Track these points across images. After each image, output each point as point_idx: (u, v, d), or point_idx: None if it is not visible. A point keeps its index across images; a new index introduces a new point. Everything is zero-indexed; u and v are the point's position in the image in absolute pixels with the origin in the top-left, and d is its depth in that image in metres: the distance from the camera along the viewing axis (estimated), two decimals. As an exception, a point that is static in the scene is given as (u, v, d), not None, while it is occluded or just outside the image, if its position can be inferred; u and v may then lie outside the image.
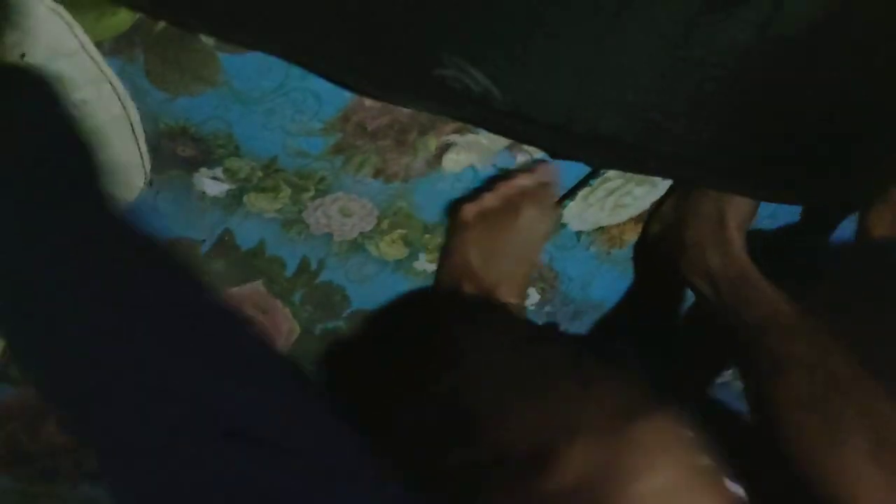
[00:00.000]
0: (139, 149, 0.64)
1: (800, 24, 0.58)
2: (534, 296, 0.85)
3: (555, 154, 0.71)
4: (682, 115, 0.61)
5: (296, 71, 0.59)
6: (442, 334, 0.68)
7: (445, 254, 0.75)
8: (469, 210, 0.72)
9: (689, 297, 0.85)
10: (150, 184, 0.65)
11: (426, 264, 0.78)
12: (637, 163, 0.66)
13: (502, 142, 0.70)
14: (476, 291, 0.73)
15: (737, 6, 0.55)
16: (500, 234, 0.72)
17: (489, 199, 0.71)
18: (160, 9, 0.54)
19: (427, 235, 0.75)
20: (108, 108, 0.61)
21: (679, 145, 0.63)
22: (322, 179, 0.68)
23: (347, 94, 0.62)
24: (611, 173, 0.74)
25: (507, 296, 0.73)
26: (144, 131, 0.62)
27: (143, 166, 0.65)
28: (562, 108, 0.60)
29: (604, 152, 0.64)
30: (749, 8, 0.56)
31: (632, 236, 0.81)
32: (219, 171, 0.65)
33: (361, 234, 0.73)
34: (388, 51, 0.55)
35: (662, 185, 0.75)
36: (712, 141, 0.63)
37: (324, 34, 0.53)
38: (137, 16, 0.56)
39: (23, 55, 0.55)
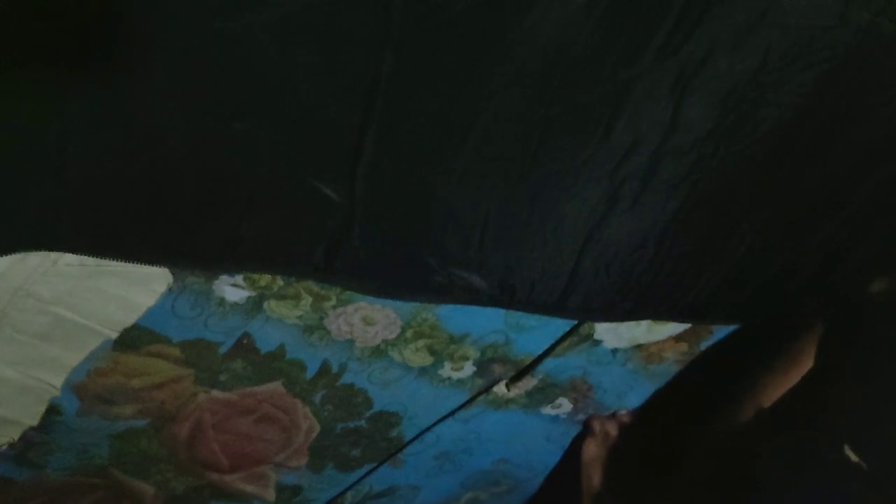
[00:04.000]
0: (166, 255, 0.63)
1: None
2: (566, 405, 0.82)
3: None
4: (672, 275, 0.64)
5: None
6: None
7: None
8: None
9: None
10: (169, 289, 0.64)
11: (451, 372, 0.75)
12: (635, 318, 0.70)
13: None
14: None
15: None
16: None
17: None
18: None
19: (453, 346, 0.72)
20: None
21: (672, 302, 0.67)
22: (344, 290, 0.66)
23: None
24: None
25: None
26: (166, 241, 0.62)
27: (169, 272, 0.64)
28: (555, 292, 0.63)
29: (599, 318, 0.69)
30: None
31: (672, 354, 0.77)
32: (239, 279, 0.64)
33: (384, 340, 0.71)
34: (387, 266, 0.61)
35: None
36: (701, 292, 0.67)
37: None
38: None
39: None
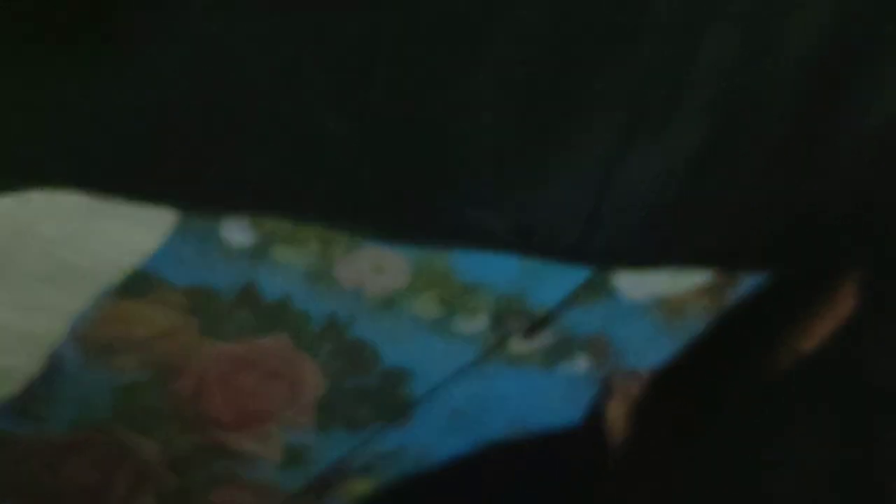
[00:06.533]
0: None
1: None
2: (584, 363, 0.80)
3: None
4: (696, 217, 0.61)
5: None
6: None
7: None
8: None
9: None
10: (174, 232, 0.63)
11: (463, 325, 0.73)
12: (657, 264, 0.68)
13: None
14: None
15: None
16: None
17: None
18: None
19: (465, 296, 0.70)
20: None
21: (697, 247, 0.64)
22: (352, 235, 0.64)
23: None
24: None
25: None
26: (168, 179, 0.61)
27: (174, 214, 0.63)
28: (574, 235, 0.60)
29: (619, 264, 0.68)
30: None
31: (694, 308, 0.75)
32: (245, 222, 0.62)
33: (394, 290, 0.69)
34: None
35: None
36: (727, 235, 0.64)
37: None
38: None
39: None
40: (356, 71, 0.50)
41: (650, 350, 0.80)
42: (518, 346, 0.77)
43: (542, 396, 0.85)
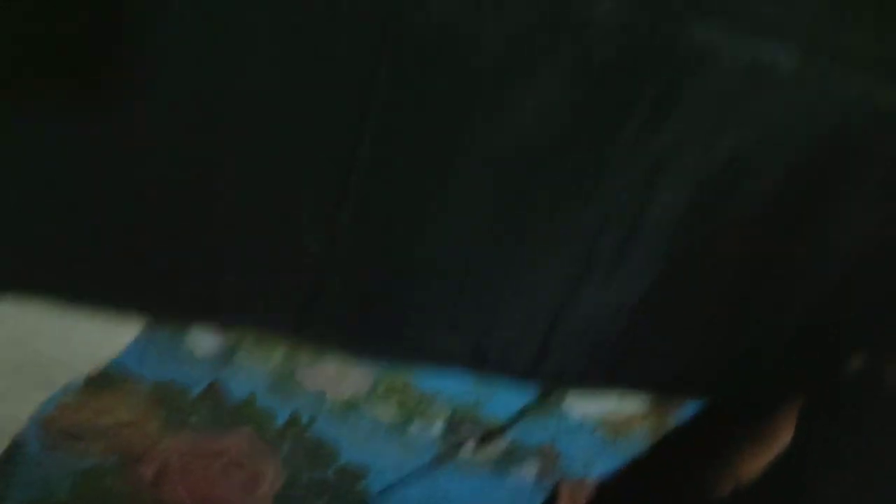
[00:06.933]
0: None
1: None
2: (533, 471, 0.81)
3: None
4: (644, 348, 0.66)
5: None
6: None
7: None
8: None
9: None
10: (144, 330, 0.65)
11: (420, 430, 0.75)
12: (606, 388, 0.71)
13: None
14: None
15: None
16: None
17: None
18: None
19: (423, 404, 0.72)
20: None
21: (644, 375, 0.68)
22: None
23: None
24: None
25: None
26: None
27: (140, 316, 0.64)
28: (526, 359, 0.64)
29: (569, 387, 0.71)
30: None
31: (641, 425, 0.77)
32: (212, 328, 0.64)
33: (355, 395, 0.71)
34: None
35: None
36: (674, 365, 0.69)
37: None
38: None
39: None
40: (332, 194, 0.53)
41: (596, 462, 0.82)
42: (470, 452, 0.79)
43: (491, 501, 0.87)
